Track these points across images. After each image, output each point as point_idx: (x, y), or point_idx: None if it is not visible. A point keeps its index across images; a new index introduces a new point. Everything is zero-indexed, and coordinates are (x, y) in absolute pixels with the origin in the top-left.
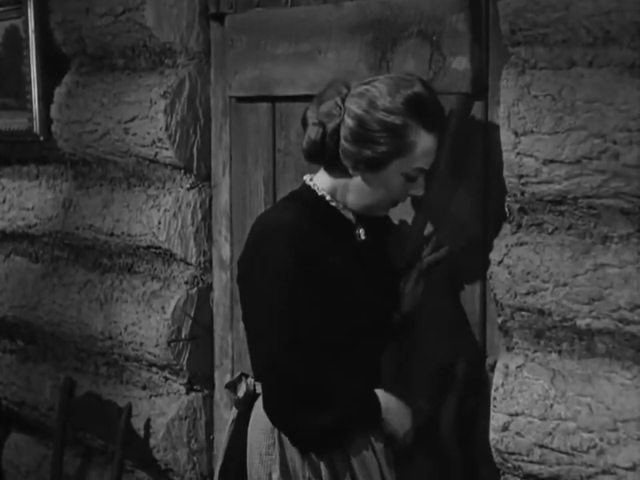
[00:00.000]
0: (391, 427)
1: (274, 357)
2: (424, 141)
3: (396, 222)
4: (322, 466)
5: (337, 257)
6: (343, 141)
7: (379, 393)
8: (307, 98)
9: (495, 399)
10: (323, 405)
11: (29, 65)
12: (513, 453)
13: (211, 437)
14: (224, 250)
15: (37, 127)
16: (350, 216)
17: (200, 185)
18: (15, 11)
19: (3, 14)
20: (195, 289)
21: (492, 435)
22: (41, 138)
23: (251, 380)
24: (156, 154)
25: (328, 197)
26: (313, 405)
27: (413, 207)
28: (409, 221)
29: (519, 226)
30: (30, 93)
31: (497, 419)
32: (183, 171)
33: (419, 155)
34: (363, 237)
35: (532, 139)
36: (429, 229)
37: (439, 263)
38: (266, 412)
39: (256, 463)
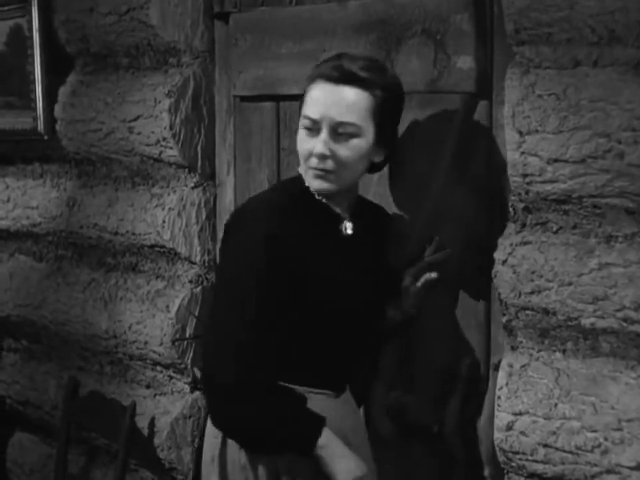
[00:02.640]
0: (326, 467)
1: (219, 346)
2: (316, 89)
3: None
4: (260, 468)
5: (314, 250)
6: None
7: (326, 430)
8: None
9: (499, 398)
10: (261, 406)
11: (33, 64)
12: (517, 452)
13: None
14: None
15: (41, 126)
16: (337, 210)
17: (204, 184)
18: (19, 9)
19: (7, 13)
20: (199, 288)
21: (496, 434)
22: (45, 137)
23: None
24: (160, 153)
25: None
26: (251, 403)
27: (417, 206)
28: (406, 215)
29: (524, 225)
30: (34, 92)
31: (501, 418)
32: (187, 170)
33: (308, 101)
34: (348, 231)
35: (536, 138)
36: (432, 228)
37: (440, 264)
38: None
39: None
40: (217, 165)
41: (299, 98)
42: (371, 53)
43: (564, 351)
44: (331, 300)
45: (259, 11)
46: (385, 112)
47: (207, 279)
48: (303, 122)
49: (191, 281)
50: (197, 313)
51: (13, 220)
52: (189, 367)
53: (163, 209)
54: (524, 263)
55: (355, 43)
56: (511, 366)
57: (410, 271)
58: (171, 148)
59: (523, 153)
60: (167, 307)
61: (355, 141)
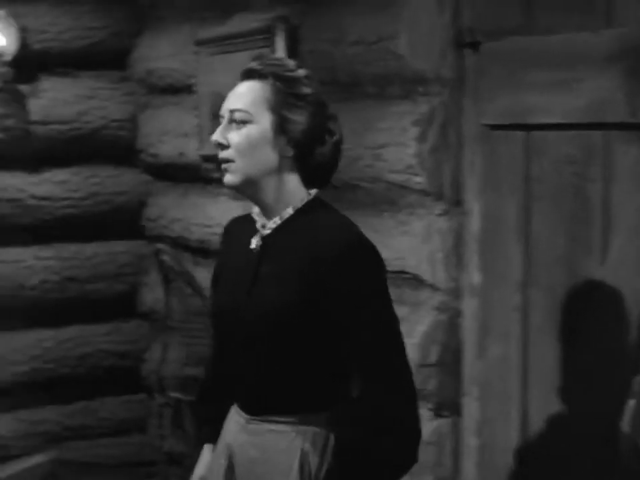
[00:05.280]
0: None
1: None
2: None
3: None
4: None
5: (230, 261)
6: None
7: (207, 447)
8: (561, 126)
9: None
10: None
11: None
12: None
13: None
14: (474, 277)
15: None
16: (259, 223)
17: (451, 212)
18: (263, 40)
19: (252, 43)
20: (444, 315)
21: None
22: None
23: None
24: (407, 180)
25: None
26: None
27: None
28: None
29: None
30: None
31: None
32: (433, 198)
33: None
34: (252, 246)
35: None
36: None
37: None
38: None
39: None
40: (464, 193)
41: (551, 127)
42: (625, 83)
43: None
44: (212, 313)
45: (509, 40)
46: (281, 101)
47: (451, 306)
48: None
49: (435, 308)
50: (441, 340)
51: None
52: (432, 393)
53: (408, 236)
54: None
55: (608, 72)
56: None
57: None
58: (418, 175)
59: None
60: (411, 333)
61: (246, 127)
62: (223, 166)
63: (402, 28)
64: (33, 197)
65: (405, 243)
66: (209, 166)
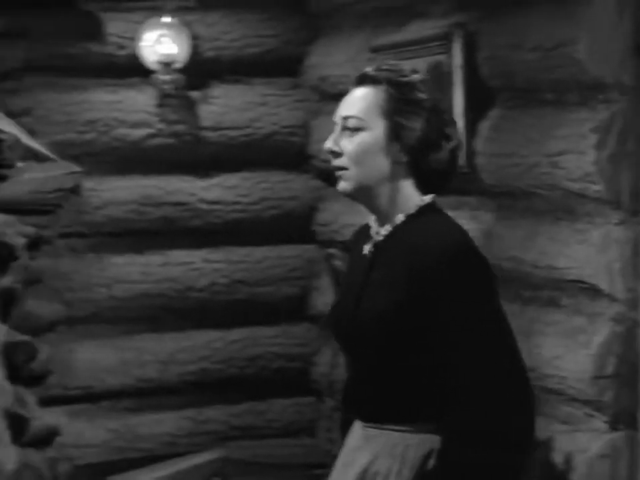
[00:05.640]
0: None
1: None
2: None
3: None
4: None
5: (349, 268)
6: None
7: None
8: None
9: None
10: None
11: (452, 99)
12: None
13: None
14: None
15: (461, 159)
16: (373, 229)
17: (629, 221)
18: (440, 47)
19: (428, 50)
20: (621, 326)
21: None
22: (465, 170)
23: None
24: (585, 188)
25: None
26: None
27: None
28: None
29: None
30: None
31: None
32: (611, 206)
33: None
34: (364, 252)
35: None
36: None
37: None
38: None
39: None
40: None
41: None
42: None
43: None
44: (328, 319)
45: None
46: (395, 108)
47: (629, 317)
48: None
49: (612, 319)
50: (618, 352)
51: None
52: (609, 405)
53: (586, 245)
54: None
55: None
56: None
57: None
58: (596, 183)
59: None
60: (587, 343)
61: (360, 135)
62: (337, 173)
63: (581, 34)
64: (203, 201)
65: (582, 252)
66: None
